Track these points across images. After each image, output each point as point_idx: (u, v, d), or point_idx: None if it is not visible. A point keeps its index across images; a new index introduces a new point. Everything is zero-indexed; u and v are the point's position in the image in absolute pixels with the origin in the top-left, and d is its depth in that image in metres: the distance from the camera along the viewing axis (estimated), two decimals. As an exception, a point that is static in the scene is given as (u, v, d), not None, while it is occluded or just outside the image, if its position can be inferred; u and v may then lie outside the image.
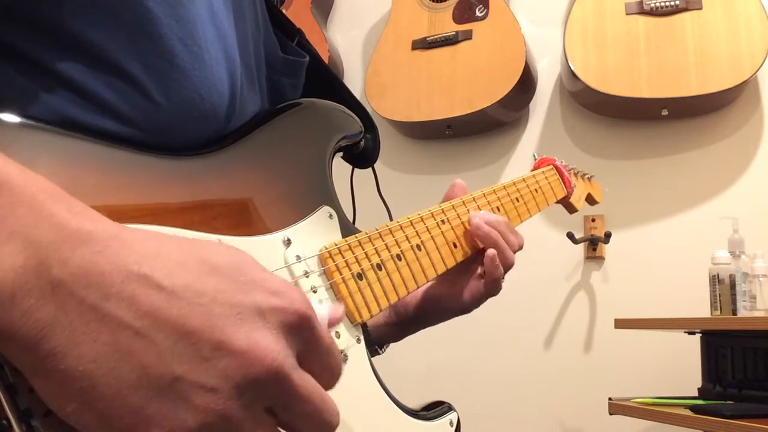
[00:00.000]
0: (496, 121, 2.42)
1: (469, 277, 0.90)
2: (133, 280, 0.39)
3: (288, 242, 0.62)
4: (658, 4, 2.12)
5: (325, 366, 0.46)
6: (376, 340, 0.92)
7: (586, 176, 1.27)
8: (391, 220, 0.75)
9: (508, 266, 0.89)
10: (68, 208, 0.40)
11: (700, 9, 2.09)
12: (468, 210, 0.87)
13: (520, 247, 0.92)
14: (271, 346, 0.41)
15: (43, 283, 0.37)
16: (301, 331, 0.44)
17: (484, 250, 0.87)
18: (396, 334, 0.94)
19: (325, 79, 0.82)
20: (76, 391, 0.38)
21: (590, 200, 1.28)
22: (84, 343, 0.38)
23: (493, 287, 0.89)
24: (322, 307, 0.50)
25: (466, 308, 0.90)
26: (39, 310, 0.37)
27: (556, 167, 1.12)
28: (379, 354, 0.92)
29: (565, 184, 1.12)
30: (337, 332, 0.63)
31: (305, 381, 0.43)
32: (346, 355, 0.64)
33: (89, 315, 0.38)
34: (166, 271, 0.40)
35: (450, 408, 0.76)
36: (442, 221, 0.81)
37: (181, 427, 0.39)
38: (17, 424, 0.39)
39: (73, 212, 0.40)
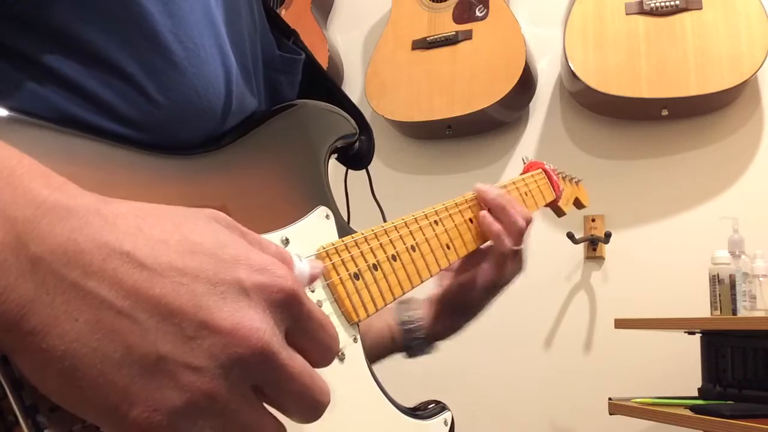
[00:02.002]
0: (496, 121, 2.42)
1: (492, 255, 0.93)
2: (115, 257, 0.38)
3: (286, 242, 0.62)
4: (658, 4, 2.12)
5: (317, 342, 0.45)
6: (429, 337, 0.96)
7: (574, 180, 1.27)
8: (384, 221, 0.76)
9: (519, 229, 0.92)
10: (46, 183, 0.39)
11: (700, 9, 2.09)
12: (460, 211, 0.88)
13: (529, 220, 0.95)
14: (256, 325, 0.40)
15: (21, 260, 0.37)
16: (289, 308, 0.43)
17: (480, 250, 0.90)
18: (444, 329, 0.98)
19: (320, 81, 0.82)
20: (59, 371, 0.37)
21: (577, 204, 1.28)
22: (66, 321, 0.37)
23: (510, 260, 0.93)
24: (303, 264, 0.49)
25: (505, 278, 0.95)
26: (19, 287, 0.36)
27: (545, 171, 1.13)
28: (426, 353, 0.97)
29: (553, 188, 1.13)
30: None
31: (293, 359, 0.43)
32: (343, 354, 0.64)
33: (70, 293, 0.37)
34: (148, 249, 0.39)
35: (444, 407, 0.77)
36: (435, 222, 0.82)
37: (166, 405, 0.38)
38: (23, 420, 0.39)
39: (52, 187, 0.39)
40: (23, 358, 0.38)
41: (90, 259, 0.38)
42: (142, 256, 0.39)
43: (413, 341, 0.96)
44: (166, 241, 0.40)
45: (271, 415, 0.43)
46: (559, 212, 1.18)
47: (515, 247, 0.92)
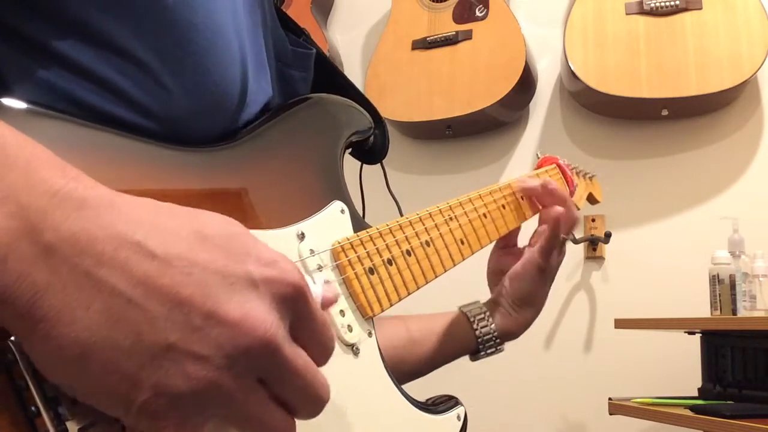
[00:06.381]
0: (496, 121, 2.42)
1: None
2: (126, 247, 0.39)
3: (302, 236, 0.62)
4: (658, 4, 2.12)
5: (317, 339, 0.46)
6: (501, 335, 0.98)
7: (588, 175, 1.27)
8: (401, 215, 0.76)
9: (575, 218, 0.96)
10: (62, 173, 0.39)
11: (700, 9, 2.09)
12: (475, 207, 0.87)
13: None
14: (263, 317, 0.41)
15: (36, 248, 0.37)
16: (294, 303, 0.44)
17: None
18: (517, 326, 0.99)
19: (331, 76, 0.82)
20: (70, 359, 0.38)
21: (591, 199, 1.28)
22: (77, 308, 0.37)
23: (559, 248, 0.94)
24: (316, 287, 0.50)
25: (551, 266, 0.95)
26: (32, 274, 0.37)
27: (559, 166, 1.12)
28: (497, 352, 1.00)
29: (567, 183, 1.13)
30: (349, 326, 0.64)
31: (296, 354, 0.43)
32: (357, 349, 0.64)
33: (82, 281, 0.38)
34: (159, 240, 0.40)
35: (458, 402, 0.77)
36: (450, 218, 0.82)
37: (173, 392, 0.39)
38: (45, 411, 0.39)
39: (67, 177, 0.39)
40: (34, 345, 0.38)
41: (102, 248, 0.38)
42: (153, 246, 0.40)
43: (486, 337, 0.97)
44: (177, 232, 0.41)
45: (279, 407, 0.44)
46: None
47: (566, 236, 0.95)
